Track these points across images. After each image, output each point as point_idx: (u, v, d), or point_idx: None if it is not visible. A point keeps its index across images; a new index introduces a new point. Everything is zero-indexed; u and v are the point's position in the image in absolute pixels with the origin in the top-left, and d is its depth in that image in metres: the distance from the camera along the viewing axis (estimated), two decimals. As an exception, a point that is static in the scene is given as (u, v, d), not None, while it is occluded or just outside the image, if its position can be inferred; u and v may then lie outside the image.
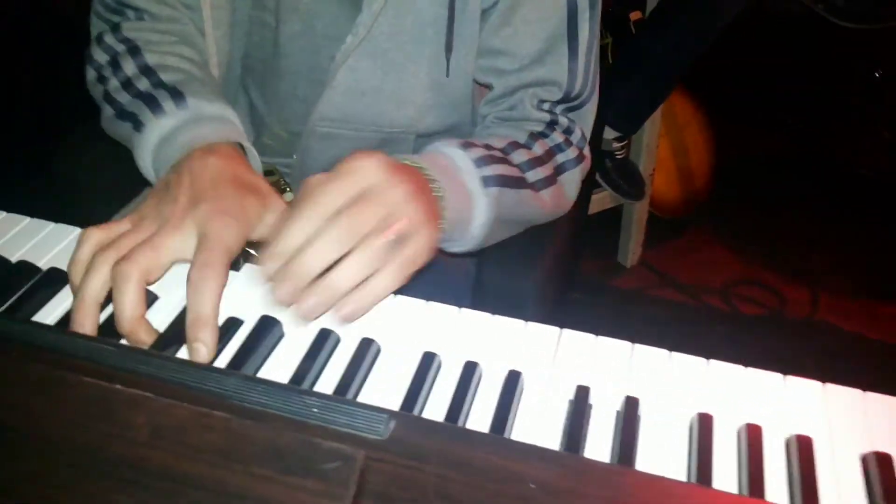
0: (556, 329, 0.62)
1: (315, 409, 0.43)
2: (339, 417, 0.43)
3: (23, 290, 0.62)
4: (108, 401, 0.41)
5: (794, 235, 2.09)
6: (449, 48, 0.84)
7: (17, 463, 0.39)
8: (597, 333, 0.61)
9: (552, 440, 0.53)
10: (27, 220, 0.69)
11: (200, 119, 0.71)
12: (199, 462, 0.38)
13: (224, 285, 0.58)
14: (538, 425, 0.54)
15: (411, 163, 0.68)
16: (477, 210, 0.73)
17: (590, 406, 0.55)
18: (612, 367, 0.58)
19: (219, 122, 0.72)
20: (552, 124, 0.86)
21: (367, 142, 0.89)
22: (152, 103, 0.72)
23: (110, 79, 0.78)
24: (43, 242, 0.67)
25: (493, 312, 0.62)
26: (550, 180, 0.83)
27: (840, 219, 2.12)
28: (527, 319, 0.62)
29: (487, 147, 0.76)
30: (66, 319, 0.59)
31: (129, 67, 0.77)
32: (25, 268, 0.64)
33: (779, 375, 0.58)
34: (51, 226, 0.69)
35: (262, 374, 0.57)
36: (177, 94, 0.72)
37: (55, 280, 0.63)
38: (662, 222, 2.03)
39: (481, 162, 0.73)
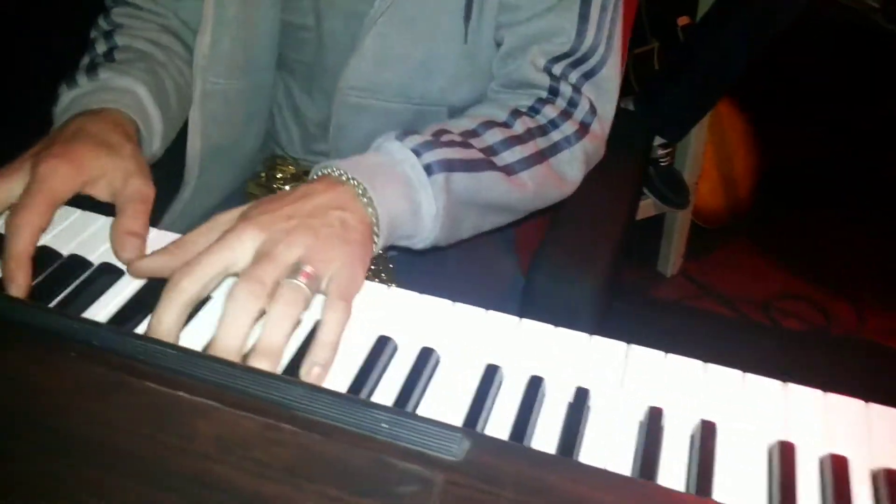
0: (622, 344, 0.59)
1: (384, 425, 0.41)
2: (410, 435, 0.41)
3: (74, 284, 0.61)
4: (172, 409, 0.39)
5: (839, 248, 2.04)
6: (468, 15, 0.81)
7: (79, 470, 0.37)
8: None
9: (623, 465, 0.50)
10: (77, 212, 0.68)
11: (102, 89, 0.73)
12: (267, 479, 0.36)
13: (43, 226, 0.59)
14: (608, 448, 0.51)
15: (330, 171, 0.64)
16: (424, 200, 0.68)
17: (662, 429, 0.52)
18: (684, 387, 0.55)
19: (118, 92, 0.73)
20: (552, 93, 0.81)
21: (398, 115, 0.87)
22: (70, 79, 0.75)
23: (84, 58, 0.81)
24: (94, 236, 0.66)
25: (544, 321, 0.60)
26: (534, 160, 0.77)
27: (888, 232, 2.07)
28: (579, 329, 0.60)
29: (438, 133, 0.72)
30: (119, 316, 0.58)
31: (100, 47, 0.81)
32: (76, 261, 0.63)
33: (861, 403, 0.55)
34: (102, 219, 0.67)
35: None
36: (93, 70, 0.75)
37: (107, 274, 0.62)
38: (704, 232, 1.98)
39: (422, 148, 0.69)
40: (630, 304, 1.86)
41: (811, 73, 2.40)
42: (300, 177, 0.96)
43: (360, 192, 0.63)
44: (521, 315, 0.61)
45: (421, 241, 0.72)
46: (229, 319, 0.51)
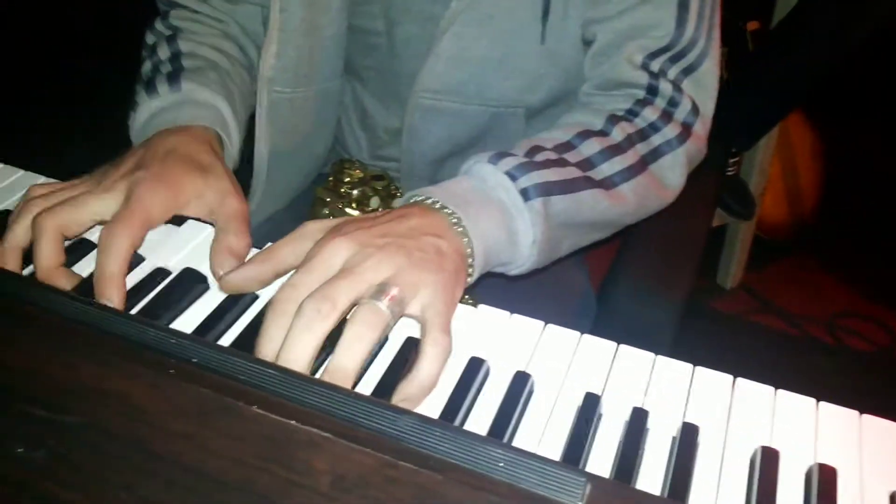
0: (728, 377, 0.56)
1: (501, 464, 0.39)
2: (528, 476, 0.39)
3: (156, 291, 0.59)
4: (283, 439, 0.37)
5: (906, 267, 1.97)
6: (546, 13, 0.77)
7: (182, 501, 0.35)
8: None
9: (735, 508, 0.47)
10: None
11: (186, 103, 0.73)
12: (389, 523, 0.34)
13: (136, 246, 0.59)
14: (718, 491, 0.48)
15: (423, 198, 0.61)
16: (521, 227, 0.65)
17: (777, 470, 0.49)
18: (795, 426, 0.52)
19: (203, 108, 0.73)
20: (651, 93, 0.76)
21: (473, 118, 0.84)
22: (150, 86, 0.75)
23: (146, 62, 0.80)
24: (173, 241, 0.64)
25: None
26: (635, 170, 0.73)
27: (959, 252, 1.99)
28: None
29: (532, 151, 0.68)
30: (203, 327, 0.56)
31: (163, 52, 0.80)
32: (157, 271, 0.61)
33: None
34: (192, 224, 0.66)
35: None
36: (175, 79, 0.75)
37: (191, 281, 0.60)
38: (766, 244, 1.93)
39: (517, 172, 0.65)
40: (687, 315, 1.81)
41: (882, 84, 2.32)
42: (367, 181, 0.94)
43: (455, 221, 0.60)
44: (595, 332, 0.58)
45: (517, 267, 0.68)
46: (294, 339, 0.49)
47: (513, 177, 0.64)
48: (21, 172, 0.73)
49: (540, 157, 0.68)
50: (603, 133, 0.73)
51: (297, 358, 0.49)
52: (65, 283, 0.58)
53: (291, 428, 0.38)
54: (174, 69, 0.77)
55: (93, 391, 0.41)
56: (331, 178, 0.94)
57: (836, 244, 2.02)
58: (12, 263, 0.59)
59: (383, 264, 0.53)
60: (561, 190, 0.67)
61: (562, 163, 0.69)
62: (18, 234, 0.59)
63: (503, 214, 0.64)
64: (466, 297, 0.61)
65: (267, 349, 0.51)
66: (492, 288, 0.85)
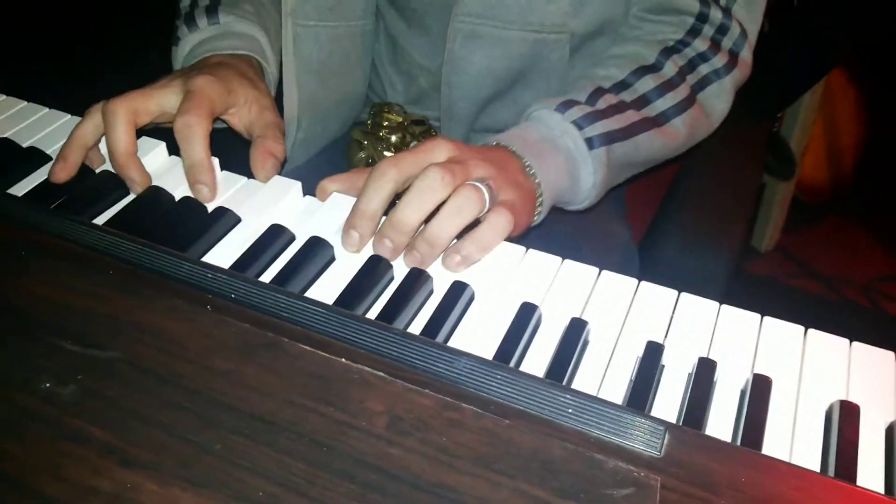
0: (799, 327, 0.52)
1: (570, 411, 0.35)
2: (600, 423, 0.35)
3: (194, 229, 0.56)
4: (335, 378, 0.34)
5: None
6: None
7: (226, 440, 0.32)
8: None
9: (810, 461, 0.44)
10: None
11: (227, 35, 0.76)
12: (454, 469, 0.30)
13: (209, 130, 0.61)
14: (792, 442, 0.45)
15: (500, 143, 0.65)
16: (584, 172, 0.68)
17: (858, 426, 0.46)
18: (876, 381, 0.48)
19: (243, 38, 0.76)
20: (701, 20, 0.77)
21: (515, 45, 0.80)
22: (190, 20, 0.78)
23: (181, 2, 0.82)
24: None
25: None
26: (686, 103, 0.75)
27: None
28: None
29: (594, 95, 0.71)
30: (239, 264, 0.53)
31: None
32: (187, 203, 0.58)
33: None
34: (227, 175, 0.63)
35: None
36: (213, 12, 0.77)
37: (220, 219, 0.57)
38: (803, 206, 1.87)
39: (584, 121, 0.68)
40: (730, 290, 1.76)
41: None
42: (407, 126, 0.90)
43: (528, 165, 0.63)
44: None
45: (574, 206, 0.72)
46: (415, 195, 0.53)
47: (579, 126, 0.67)
48: (46, 110, 0.70)
49: (602, 104, 0.70)
50: (655, 68, 0.74)
51: (408, 218, 0.53)
52: (138, 174, 0.59)
53: (341, 366, 0.35)
54: (212, 3, 0.79)
55: (127, 325, 0.37)
56: (368, 122, 0.90)
57: (875, 207, 1.96)
58: (74, 156, 0.60)
59: (481, 167, 0.58)
60: (622, 136, 0.70)
61: (621, 107, 0.71)
62: (88, 129, 0.61)
63: (569, 162, 0.67)
64: None
65: (365, 206, 0.54)
66: (532, 241, 0.81)
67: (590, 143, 0.67)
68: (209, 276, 0.42)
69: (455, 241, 0.56)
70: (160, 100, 0.63)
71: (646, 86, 0.72)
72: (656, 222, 0.89)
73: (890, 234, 1.90)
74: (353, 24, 0.84)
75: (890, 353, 0.51)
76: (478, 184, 0.55)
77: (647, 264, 0.84)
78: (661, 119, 0.73)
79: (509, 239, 0.58)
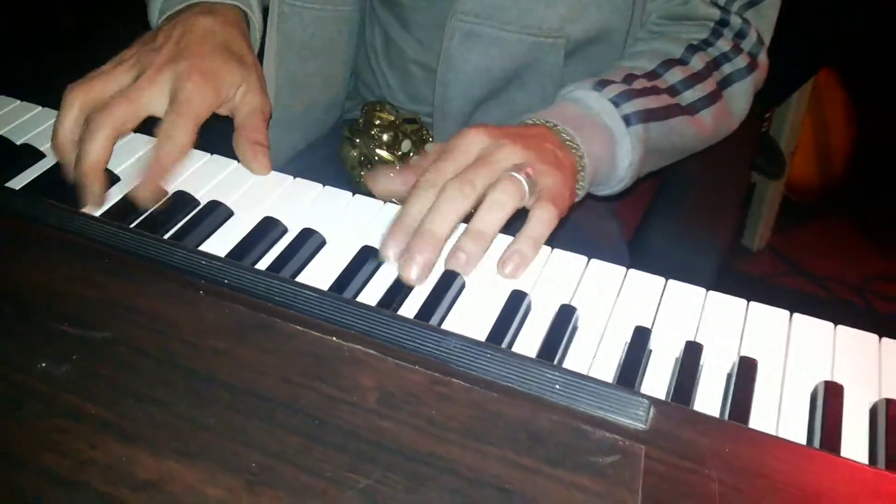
0: (784, 312, 0.53)
1: (557, 386, 0.36)
2: (587, 398, 0.36)
3: (184, 221, 0.57)
4: (327, 356, 0.35)
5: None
6: None
7: (223, 417, 0.33)
8: None
9: (796, 437, 0.44)
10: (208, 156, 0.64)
11: None
12: (443, 440, 0.31)
13: (188, 147, 0.60)
14: (778, 420, 0.45)
15: (536, 121, 0.65)
16: (621, 151, 0.69)
17: (841, 404, 0.46)
18: (860, 363, 0.49)
19: None
20: (721, 25, 0.78)
21: (512, 47, 0.80)
22: None
23: None
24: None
25: None
26: (713, 97, 0.76)
27: None
28: None
29: (628, 78, 0.71)
30: (233, 255, 0.54)
31: None
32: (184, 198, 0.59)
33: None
34: (216, 159, 0.64)
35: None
36: None
37: (217, 213, 0.58)
38: (793, 206, 1.88)
39: (620, 99, 0.69)
40: (718, 282, 1.77)
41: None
42: (399, 124, 0.91)
43: (569, 139, 0.63)
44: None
45: (609, 188, 0.71)
46: (438, 210, 0.53)
47: (616, 103, 0.68)
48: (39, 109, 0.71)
49: (637, 85, 0.70)
50: (683, 62, 0.75)
51: (437, 229, 0.53)
52: (97, 187, 0.57)
53: (333, 345, 0.35)
54: None
55: (121, 309, 0.38)
56: (361, 119, 0.90)
57: (866, 206, 1.97)
58: (69, 156, 0.59)
59: (516, 153, 0.57)
60: (658, 117, 0.70)
61: (655, 90, 0.71)
62: (67, 128, 0.59)
63: (608, 139, 0.67)
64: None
65: (408, 219, 0.54)
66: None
67: (627, 119, 0.68)
68: (203, 262, 0.43)
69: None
70: (147, 104, 0.61)
71: (674, 77, 0.73)
72: (646, 218, 0.90)
73: (882, 234, 1.92)
74: (339, 10, 0.85)
75: (873, 337, 0.52)
76: (515, 174, 0.55)
77: (637, 258, 0.85)
78: (690, 109, 0.73)
79: None
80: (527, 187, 0.55)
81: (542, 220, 0.56)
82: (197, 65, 0.62)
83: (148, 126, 0.64)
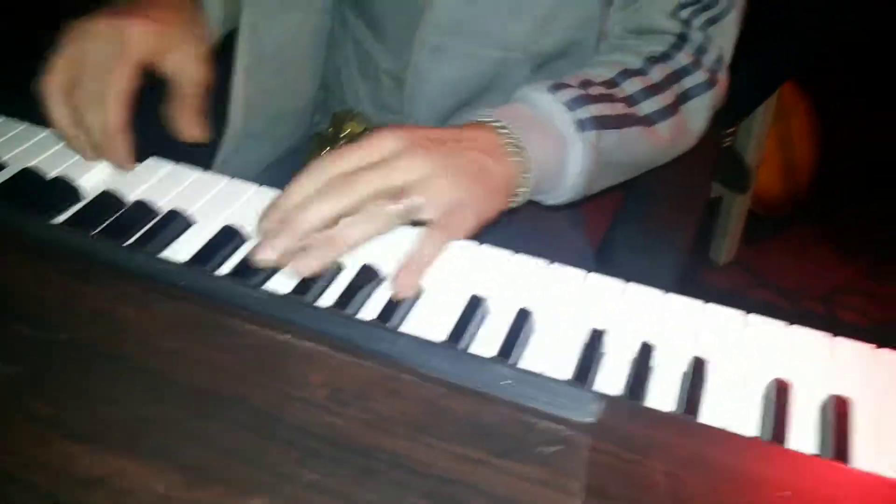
0: (739, 312, 0.54)
1: (509, 382, 0.37)
2: (536, 394, 0.36)
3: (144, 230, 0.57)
4: (279, 353, 0.35)
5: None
6: None
7: (176, 415, 0.33)
8: None
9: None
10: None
11: None
12: (392, 434, 0.31)
13: (129, 90, 0.61)
14: (731, 415, 0.46)
15: (486, 119, 0.63)
16: (571, 157, 0.66)
17: (788, 401, 0.47)
18: (810, 360, 0.51)
19: None
20: (682, 40, 0.77)
21: (478, 62, 0.81)
22: None
23: None
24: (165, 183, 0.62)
25: None
26: (671, 110, 0.74)
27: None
28: None
29: (585, 84, 0.69)
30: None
31: None
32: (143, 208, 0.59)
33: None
34: (179, 168, 0.64)
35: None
36: None
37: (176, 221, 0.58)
38: (760, 220, 1.91)
39: (575, 104, 0.66)
40: (678, 290, 1.79)
41: (879, 55, 2.30)
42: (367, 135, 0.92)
43: (511, 141, 0.61)
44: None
45: (554, 198, 0.69)
46: (312, 203, 0.52)
47: (570, 107, 0.66)
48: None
49: (594, 91, 0.69)
50: (642, 72, 0.74)
51: (304, 220, 0.52)
52: (123, 147, 0.60)
53: (285, 342, 0.36)
54: None
55: (77, 310, 0.38)
56: (330, 129, 0.91)
57: (833, 219, 2.01)
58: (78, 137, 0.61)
59: (419, 166, 0.55)
60: (613, 125, 0.68)
61: (612, 98, 0.70)
62: (61, 113, 0.61)
63: (558, 144, 0.65)
64: None
65: (283, 203, 0.53)
66: (487, 241, 0.83)
67: (580, 125, 0.66)
68: (159, 267, 0.43)
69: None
70: (93, 53, 0.62)
71: (633, 87, 0.72)
72: (611, 229, 0.92)
73: (847, 246, 1.95)
74: (309, 20, 0.85)
75: (826, 336, 0.53)
76: (387, 206, 0.54)
77: (602, 268, 0.86)
78: (647, 120, 0.72)
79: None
80: (395, 218, 0.55)
81: (427, 243, 0.54)
82: (142, 13, 0.64)
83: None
